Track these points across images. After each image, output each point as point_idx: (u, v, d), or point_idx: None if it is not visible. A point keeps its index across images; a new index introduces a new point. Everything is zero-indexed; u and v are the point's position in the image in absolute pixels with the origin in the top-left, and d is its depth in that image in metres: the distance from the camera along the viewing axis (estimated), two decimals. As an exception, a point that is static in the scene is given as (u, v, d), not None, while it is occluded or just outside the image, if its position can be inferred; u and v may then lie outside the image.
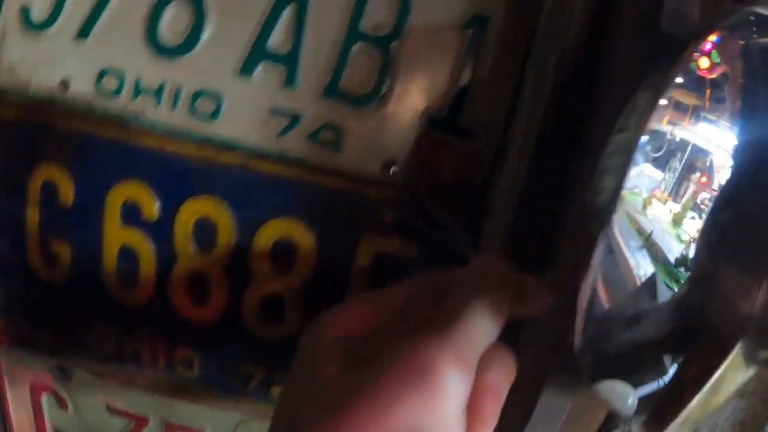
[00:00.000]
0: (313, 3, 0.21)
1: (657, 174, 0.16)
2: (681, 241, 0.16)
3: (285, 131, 0.21)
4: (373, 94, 0.22)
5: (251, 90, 0.21)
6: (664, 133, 0.16)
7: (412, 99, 0.22)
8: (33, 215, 0.25)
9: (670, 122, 0.16)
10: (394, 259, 0.22)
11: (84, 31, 0.23)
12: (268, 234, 0.22)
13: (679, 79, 0.16)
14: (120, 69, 0.23)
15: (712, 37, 0.16)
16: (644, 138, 0.16)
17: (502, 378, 0.15)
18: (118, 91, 0.23)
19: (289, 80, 0.21)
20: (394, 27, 0.22)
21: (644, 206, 0.16)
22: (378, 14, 0.21)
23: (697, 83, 0.16)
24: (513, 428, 0.20)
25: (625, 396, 0.16)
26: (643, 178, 0.16)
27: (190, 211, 0.22)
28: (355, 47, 0.21)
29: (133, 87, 0.22)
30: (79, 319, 0.27)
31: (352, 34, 0.21)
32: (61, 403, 0.30)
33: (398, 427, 0.13)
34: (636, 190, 0.16)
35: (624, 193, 0.15)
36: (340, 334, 0.15)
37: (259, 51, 0.21)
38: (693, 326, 0.15)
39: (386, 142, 0.22)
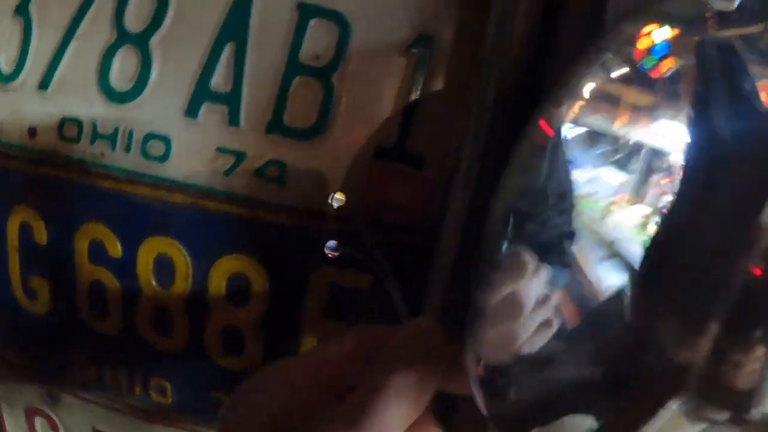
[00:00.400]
0: (252, 38, 0.22)
1: (617, 177, 0.15)
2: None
3: (231, 169, 0.22)
4: (317, 126, 0.22)
5: (197, 131, 0.22)
6: (618, 136, 0.15)
7: (357, 128, 0.22)
8: (14, 254, 0.27)
9: (628, 123, 0.15)
10: (348, 290, 0.22)
11: (44, 83, 0.24)
12: (222, 270, 0.22)
13: (630, 79, 0.15)
14: (78, 116, 0.23)
15: (666, 34, 0.15)
16: (599, 142, 0.15)
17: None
18: (78, 138, 0.24)
19: (233, 119, 0.22)
20: (334, 55, 0.21)
21: (604, 214, 0.15)
22: (317, 44, 0.21)
23: (650, 82, 0.15)
24: None
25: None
26: (601, 183, 0.15)
27: (149, 250, 0.23)
28: (296, 80, 0.21)
29: (90, 132, 0.23)
30: (62, 349, 0.29)
31: (292, 66, 0.21)
32: (53, 426, 0.31)
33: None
34: (593, 198, 0.15)
35: (579, 202, 0.15)
36: (261, 402, 0.15)
37: (202, 92, 0.22)
38: (623, 374, 0.14)
39: (332, 175, 0.22)
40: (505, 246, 0.15)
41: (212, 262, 0.22)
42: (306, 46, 0.21)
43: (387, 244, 0.22)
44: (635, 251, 0.14)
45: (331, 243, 0.22)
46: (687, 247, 0.14)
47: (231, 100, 0.22)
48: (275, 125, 0.21)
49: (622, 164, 0.15)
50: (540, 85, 0.20)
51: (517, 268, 0.15)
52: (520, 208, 0.16)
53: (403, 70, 0.21)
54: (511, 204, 0.16)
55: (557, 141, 0.15)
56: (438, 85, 0.22)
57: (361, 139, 0.22)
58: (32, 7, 0.25)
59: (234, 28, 0.22)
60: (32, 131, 0.25)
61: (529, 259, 0.15)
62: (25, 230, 0.26)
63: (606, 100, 0.16)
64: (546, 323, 0.15)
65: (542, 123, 0.16)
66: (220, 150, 0.22)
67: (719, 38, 0.15)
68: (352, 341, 0.16)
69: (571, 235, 0.15)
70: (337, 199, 0.22)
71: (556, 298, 0.15)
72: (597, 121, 0.15)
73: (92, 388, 0.28)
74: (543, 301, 0.15)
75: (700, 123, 0.14)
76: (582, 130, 0.15)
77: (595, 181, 0.15)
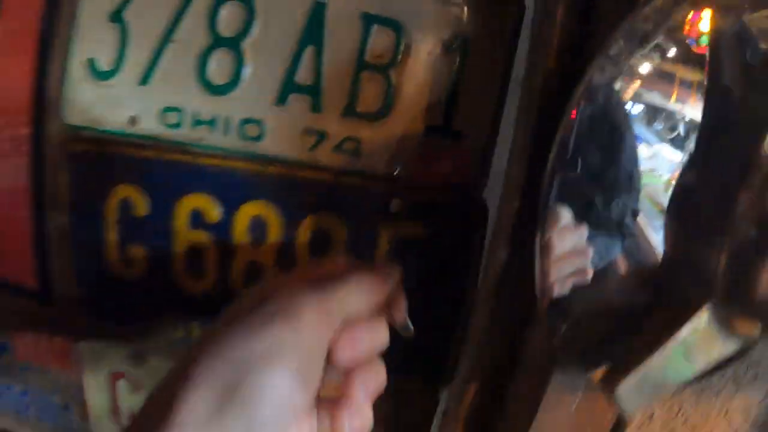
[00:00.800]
0: (327, 42, 0.27)
1: (676, 155, 0.16)
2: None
3: (315, 146, 0.28)
4: (381, 111, 0.27)
5: (286, 116, 0.27)
6: (674, 112, 0.16)
7: (412, 111, 0.28)
8: (112, 227, 0.31)
9: (678, 100, 0.16)
10: (408, 241, 0.29)
11: (144, 80, 0.29)
12: (308, 227, 0.28)
13: (679, 55, 0.16)
14: (179, 106, 0.28)
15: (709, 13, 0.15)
16: (657, 118, 0.16)
17: (366, 335, 0.20)
18: (179, 125, 0.29)
19: (315, 107, 0.27)
20: (392, 55, 0.27)
21: (666, 188, 0.16)
22: (379, 45, 0.27)
23: (697, 59, 0.16)
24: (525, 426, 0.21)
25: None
26: (661, 160, 0.16)
27: (245, 213, 0.29)
28: (363, 74, 0.27)
29: (191, 120, 0.28)
30: (154, 311, 0.33)
31: (359, 64, 0.27)
32: (135, 387, 0.35)
33: (263, 348, 0.17)
34: (655, 173, 0.16)
35: (642, 175, 0.16)
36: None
37: (289, 85, 0.27)
38: (663, 295, 0.16)
39: (394, 148, 0.28)
40: (551, 202, 0.18)
41: (300, 220, 0.28)
42: (370, 47, 0.27)
43: (435, 199, 0.28)
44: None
45: (396, 201, 0.28)
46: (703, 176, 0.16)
47: (313, 91, 0.27)
48: (349, 110, 0.27)
49: (679, 142, 0.16)
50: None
51: (555, 221, 0.18)
52: (570, 174, 0.17)
53: (445, 65, 0.28)
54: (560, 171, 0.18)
55: (613, 117, 0.16)
56: (473, 76, 0.28)
57: (416, 120, 0.28)
58: (127, 15, 0.29)
59: (312, 34, 0.27)
60: (133, 120, 0.30)
61: (565, 214, 0.18)
62: (125, 205, 0.31)
63: (660, 77, 0.16)
64: (581, 270, 0.18)
65: (588, 100, 0.17)
66: (306, 131, 0.27)
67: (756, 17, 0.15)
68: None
69: (627, 204, 0.16)
70: (397, 165, 0.28)
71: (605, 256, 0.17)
72: (654, 98, 0.16)
73: (179, 344, 0.33)
74: (580, 251, 0.18)
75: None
76: (639, 107, 0.16)
77: (655, 158, 0.16)
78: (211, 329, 0.19)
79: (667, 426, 0.20)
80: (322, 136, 0.28)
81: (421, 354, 0.31)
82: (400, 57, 0.27)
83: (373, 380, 0.20)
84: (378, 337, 0.20)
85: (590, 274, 0.18)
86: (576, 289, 0.18)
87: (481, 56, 0.28)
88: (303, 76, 0.27)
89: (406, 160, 0.28)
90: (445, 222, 0.29)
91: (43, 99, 0.31)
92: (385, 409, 0.33)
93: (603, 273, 0.17)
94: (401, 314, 0.22)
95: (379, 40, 0.27)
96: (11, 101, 0.31)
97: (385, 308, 0.21)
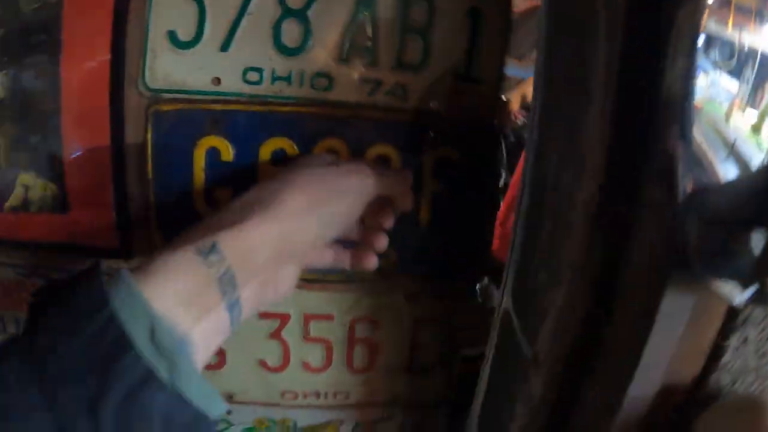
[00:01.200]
0: (377, 10, 0.35)
1: (733, 85, 0.16)
2: (761, 149, 0.16)
3: (373, 91, 0.36)
4: (420, 63, 0.36)
5: (349, 70, 0.36)
6: (732, 42, 0.15)
7: (443, 63, 0.37)
8: (200, 174, 0.38)
9: (735, 26, 0.15)
10: (444, 162, 0.38)
11: (224, 47, 0.35)
12: (372, 154, 0.37)
13: None
14: (259, 66, 0.36)
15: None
16: (713, 47, 0.15)
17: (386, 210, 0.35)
18: (260, 82, 0.36)
19: (372, 61, 0.36)
20: (427, 20, 0.36)
21: (726, 117, 0.16)
22: (416, 14, 0.36)
23: None
24: (639, 333, 0.20)
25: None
26: (719, 88, 0.16)
27: (320, 148, 0.37)
28: (406, 36, 0.36)
29: (270, 76, 0.36)
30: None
31: (403, 26, 0.36)
32: None
33: (341, 183, 0.31)
34: (716, 101, 0.16)
35: (702, 103, 0.16)
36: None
37: (350, 46, 0.35)
38: None
39: (431, 90, 0.37)
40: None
41: (365, 150, 0.37)
42: (410, 15, 0.36)
43: (461, 129, 0.38)
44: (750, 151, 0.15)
45: (433, 131, 0.37)
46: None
47: (369, 50, 0.36)
48: (397, 63, 0.36)
49: (736, 72, 0.15)
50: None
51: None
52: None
53: (465, 29, 0.37)
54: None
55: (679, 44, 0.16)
56: (485, 36, 0.37)
57: (445, 70, 0.37)
58: (203, -5, 0.36)
59: (365, 4, 0.35)
60: (216, 80, 0.36)
61: None
62: (212, 153, 0.37)
63: (720, 3, 0.16)
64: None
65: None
66: (365, 80, 0.36)
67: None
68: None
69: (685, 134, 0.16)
70: (434, 103, 0.37)
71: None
72: (713, 26, 0.16)
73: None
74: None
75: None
76: (701, 36, 0.16)
77: (714, 86, 0.16)
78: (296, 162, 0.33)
79: (760, 350, 0.20)
80: (377, 83, 0.36)
81: (455, 253, 0.41)
82: (432, 22, 0.36)
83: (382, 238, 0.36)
84: (389, 216, 0.35)
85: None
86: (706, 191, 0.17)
87: (491, 22, 0.37)
88: (360, 38, 0.35)
89: (439, 99, 0.37)
90: (469, 145, 0.38)
91: (122, 69, 0.36)
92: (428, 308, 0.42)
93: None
94: (408, 205, 0.36)
95: (417, 9, 0.36)
96: (92, 73, 0.36)
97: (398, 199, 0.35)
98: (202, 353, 0.25)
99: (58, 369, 0.20)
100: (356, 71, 0.36)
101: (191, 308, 0.24)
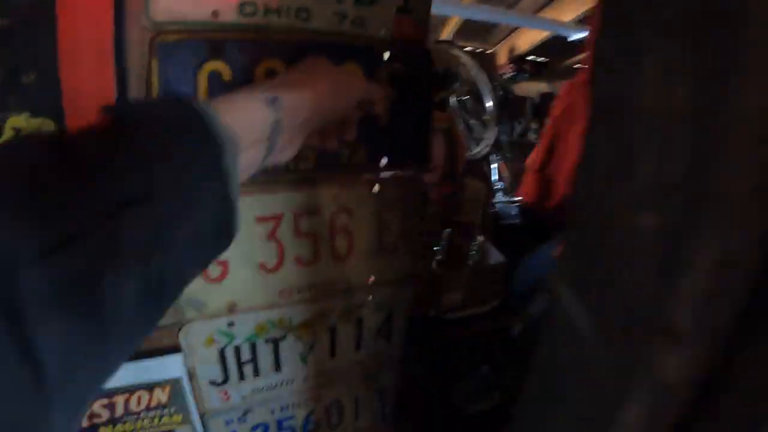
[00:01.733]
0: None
1: None
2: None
3: (341, 21, 0.49)
4: (374, 1, 0.50)
5: (324, 5, 0.47)
6: None
7: (389, 1, 0.50)
8: (204, 96, 0.47)
9: None
10: (395, 75, 0.53)
11: (220, -16, 0.44)
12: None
13: None
14: (253, 1, 0.45)
15: None
16: None
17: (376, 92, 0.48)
18: (253, 14, 0.46)
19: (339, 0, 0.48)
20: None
21: None
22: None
23: None
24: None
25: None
26: None
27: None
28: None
29: (263, 9, 0.46)
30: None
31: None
32: None
33: (337, 80, 0.43)
34: None
35: None
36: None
37: (321, -15, 0.47)
38: None
39: (383, 19, 0.50)
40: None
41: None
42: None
43: (405, 49, 0.53)
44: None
45: (386, 52, 0.52)
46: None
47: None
48: (358, 0, 0.49)
49: None
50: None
51: None
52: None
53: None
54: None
55: None
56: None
57: (391, 5, 0.51)
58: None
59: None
60: (215, 13, 0.45)
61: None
62: (214, 75, 0.47)
63: None
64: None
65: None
66: (335, 13, 0.48)
67: None
68: None
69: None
70: (384, 30, 0.51)
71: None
72: None
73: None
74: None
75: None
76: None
77: None
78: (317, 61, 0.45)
79: None
80: (344, 16, 0.49)
81: (406, 146, 0.57)
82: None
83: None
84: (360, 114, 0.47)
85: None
86: None
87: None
88: (329, -19, 0.47)
89: (387, 27, 0.51)
90: (410, 61, 0.54)
91: (123, 3, 0.43)
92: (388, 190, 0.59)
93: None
94: (382, 109, 0.48)
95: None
96: (95, 9, 0.43)
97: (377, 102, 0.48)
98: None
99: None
100: (329, 6, 0.48)
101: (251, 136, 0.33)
